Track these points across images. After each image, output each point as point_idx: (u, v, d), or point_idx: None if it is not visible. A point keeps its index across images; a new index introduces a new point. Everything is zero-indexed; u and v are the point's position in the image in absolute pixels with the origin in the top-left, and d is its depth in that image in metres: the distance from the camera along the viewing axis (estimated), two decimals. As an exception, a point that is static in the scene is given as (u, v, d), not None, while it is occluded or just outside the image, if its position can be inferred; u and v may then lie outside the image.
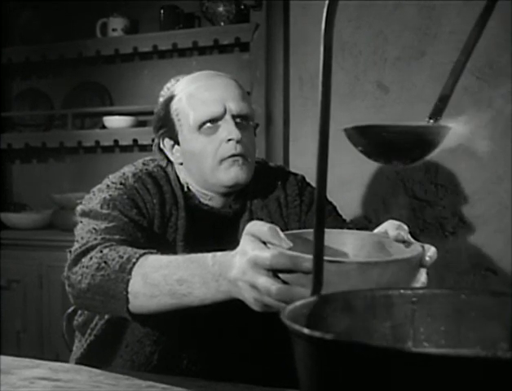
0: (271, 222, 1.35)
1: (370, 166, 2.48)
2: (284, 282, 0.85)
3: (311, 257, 0.68)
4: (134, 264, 1.05)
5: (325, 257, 0.68)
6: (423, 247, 0.94)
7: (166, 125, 1.37)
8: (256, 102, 2.53)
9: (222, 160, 1.31)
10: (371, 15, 2.49)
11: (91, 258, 1.12)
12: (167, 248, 1.28)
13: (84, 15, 2.99)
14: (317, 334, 0.47)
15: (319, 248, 0.59)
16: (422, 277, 0.92)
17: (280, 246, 0.87)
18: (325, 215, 0.62)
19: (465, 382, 0.43)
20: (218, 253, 0.97)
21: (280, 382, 1.13)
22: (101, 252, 1.12)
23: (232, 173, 1.32)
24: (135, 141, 2.82)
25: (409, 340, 0.64)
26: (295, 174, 1.50)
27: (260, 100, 2.53)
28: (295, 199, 1.44)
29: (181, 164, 1.38)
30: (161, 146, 1.40)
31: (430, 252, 0.94)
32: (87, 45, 2.88)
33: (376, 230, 1.05)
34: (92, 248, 1.15)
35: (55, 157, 3.17)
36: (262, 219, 1.39)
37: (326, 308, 0.61)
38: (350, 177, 2.46)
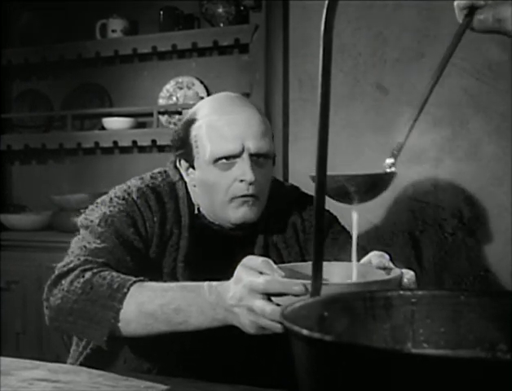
0: (287, 248, 1.39)
1: (369, 167, 2.48)
2: (278, 305, 0.95)
3: (300, 281, 0.91)
4: (126, 294, 1.09)
5: None
6: (402, 272, 1.04)
7: (184, 148, 1.35)
8: (255, 103, 2.53)
9: (232, 198, 1.30)
10: (370, 17, 2.49)
11: (72, 282, 1.14)
12: (166, 267, 1.30)
13: (83, 16, 2.99)
14: (316, 335, 0.47)
15: (318, 251, 0.59)
16: None
17: (272, 275, 0.97)
18: (324, 216, 0.62)
19: (464, 383, 0.43)
20: (214, 283, 1.05)
21: (280, 384, 1.12)
22: (83, 276, 1.14)
23: (240, 214, 1.30)
24: (135, 142, 2.81)
25: (409, 341, 0.64)
26: (310, 196, 1.46)
27: (259, 102, 2.53)
28: (312, 224, 1.41)
29: (194, 186, 1.36)
30: (177, 165, 1.39)
31: (409, 275, 1.04)
32: (87, 46, 2.88)
33: (362, 261, 1.12)
34: (73, 269, 1.17)
35: (55, 158, 3.17)
36: (276, 244, 1.39)
37: (326, 309, 0.61)
38: (349, 178, 2.46)
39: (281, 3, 2.56)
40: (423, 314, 0.63)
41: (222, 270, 1.06)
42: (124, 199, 1.30)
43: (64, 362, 1.39)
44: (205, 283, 1.06)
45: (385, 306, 0.63)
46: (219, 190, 1.30)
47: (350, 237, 1.46)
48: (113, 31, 2.88)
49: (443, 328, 0.63)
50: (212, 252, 1.35)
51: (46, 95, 3.18)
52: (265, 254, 1.34)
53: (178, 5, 2.83)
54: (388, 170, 1.03)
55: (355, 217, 1.01)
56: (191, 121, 1.35)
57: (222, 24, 2.68)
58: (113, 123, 2.86)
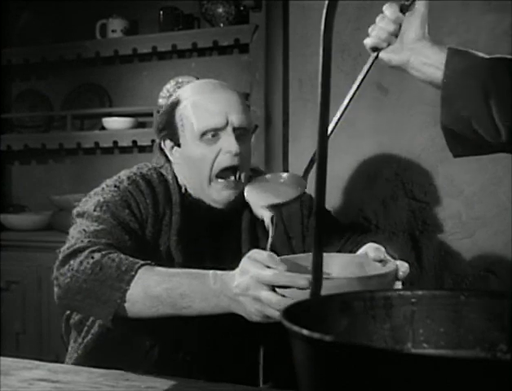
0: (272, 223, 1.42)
1: (370, 167, 2.48)
2: (283, 296, 1.02)
3: (305, 276, 1.00)
4: (133, 276, 1.14)
5: None
6: (397, 264, 1.11)
7: (169, 128, 1.43)
8: (255, 103, 2.53)
9: (217, 176, 1.38)
10: (370, 17, 2.48)
11: (81, 262, 1.19)
12: (162, 245, 1.37)
13: (83, 16, 2.99)
14: (316, 335, 0.47)
15: (318, 251, 0.59)
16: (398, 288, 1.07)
17: (277, 268, 1.04)
18: (325, 218, 0.62)
19: (464, 384, 0.43)
20: (219, 272, 1.10)
21: (279, 381, 1.16)
22: (92, 257, 1.18)
23: (224, 196, 1.39)
24: (135, 142, 2.81)
25: (408, 341, 0.64)
26: None
27: (259, 101, 2.53)
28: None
29: (179, 164, 1.44)
30: (162, 146, 1.46)
31: (404, 267, 1.11)
32: (87, 46, 2.88)
33: (358, 252, 1.21)
34: (80, 250, 1.21)
35: (55, 158, 3.17)
36: (262, 220, 1.42)
37: (325, 309, 0.61)
38: (349, 178, 2.46)
39: (281, 3, 2.56)
40: (423, 314, 0.63)
41: (212, 243, 1.16)
42: (116, 186, 1.37)
43: (64, 362, 1.39)
44: (211, 272, 1.12)
45: (385, 306, 0.63)
46: (205, 163, 1.38)
47: (332, 218, 1.56)
48: (113, 31, 2.88)
49: (443, 328, 0.63)
50: (202, 226, 1.43)
51: (45, 95, 3.18)
52: (252, 228, 1.44)
53: (178, 5, 2.83)
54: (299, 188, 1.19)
55: (268, 216, 1.21)
56: (175, 104, 1.43)
57: (222, 24, 2.68)
58: (113, 123, 2.86)
